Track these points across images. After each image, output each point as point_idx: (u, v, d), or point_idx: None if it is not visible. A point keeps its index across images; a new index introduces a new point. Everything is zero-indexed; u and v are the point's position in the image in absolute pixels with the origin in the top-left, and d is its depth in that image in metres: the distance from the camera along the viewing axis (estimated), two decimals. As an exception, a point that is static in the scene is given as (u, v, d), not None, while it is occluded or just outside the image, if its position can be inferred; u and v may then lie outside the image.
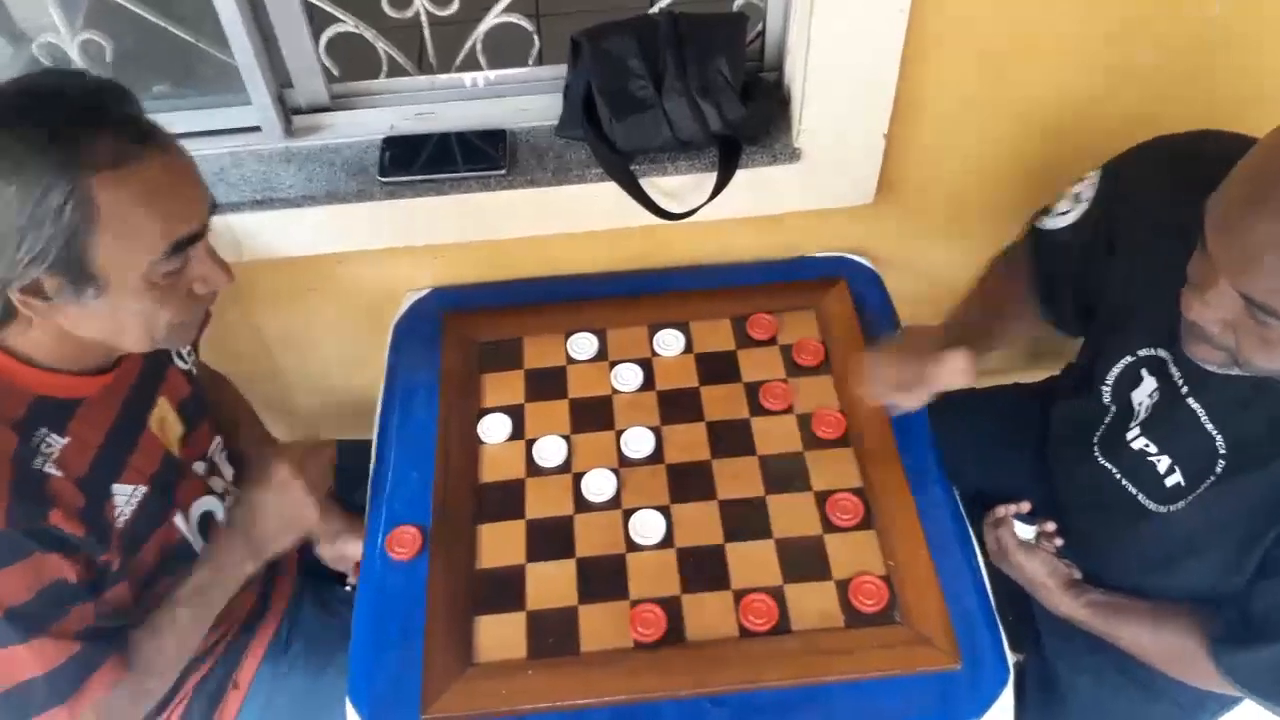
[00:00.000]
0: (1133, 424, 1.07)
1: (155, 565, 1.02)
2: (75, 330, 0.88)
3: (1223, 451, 0.97)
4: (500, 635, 1.08)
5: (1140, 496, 1.07)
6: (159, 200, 0.83)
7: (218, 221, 1.25)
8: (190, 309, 0.93)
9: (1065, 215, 1.13)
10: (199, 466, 1.12)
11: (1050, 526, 1.21)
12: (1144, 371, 1.07)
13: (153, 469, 1.02)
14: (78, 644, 0.91)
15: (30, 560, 0.86)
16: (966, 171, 1.38)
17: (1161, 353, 1.04)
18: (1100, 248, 1.11)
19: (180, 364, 1.12)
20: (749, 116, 1.24)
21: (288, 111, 1.30)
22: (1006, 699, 1.04)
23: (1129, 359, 1.08)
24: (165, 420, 1.06)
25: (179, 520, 1.05)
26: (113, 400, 0.99)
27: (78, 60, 1.23)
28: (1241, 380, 0.92)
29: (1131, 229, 1.08)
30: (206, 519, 1.09)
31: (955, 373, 1.07)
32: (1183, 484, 1.02)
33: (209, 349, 1.26)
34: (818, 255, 1.45)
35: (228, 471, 1.18)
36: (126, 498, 0.97)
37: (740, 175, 1.27)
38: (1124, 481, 1.09)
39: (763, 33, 1.30)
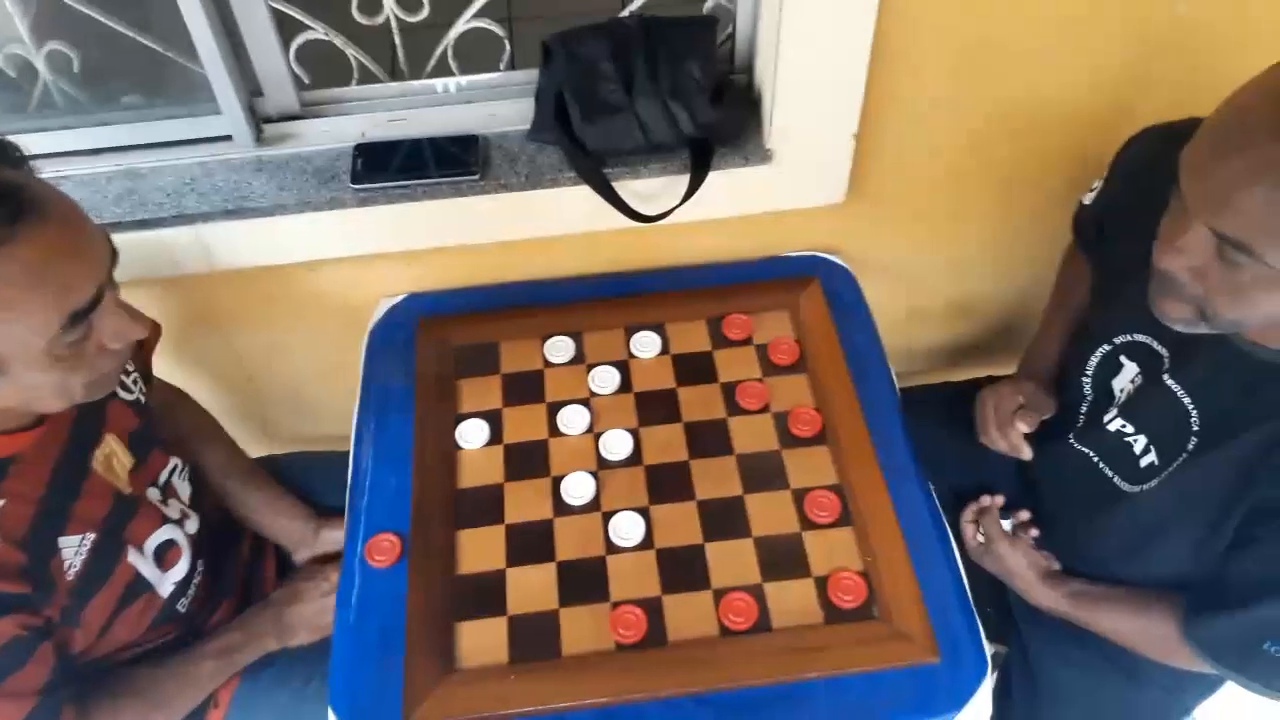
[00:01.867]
0: (1111, 408, 1.09)
1: (116, 604, 1.00)
2: None
3: (1195, 427, 0.99)
4: (481, 640, 1.08)
5: (1116, 478, 1.09)
6: (44, 278, 0.77)
7: (188, 233, 1.25)
8: (104, 364, 0.88)
9: (1092, 192, 1.18)
10: (152, 493, 1.09)
11: (1024, 515, 1.23)
12: (1123, 358, 1.08)
13: (102, 512, 0.99)
14: (33, 699, 0.89)
15: None
16: (937, 170, 1.39)
17: (1142, 337, 1.05)
18: (1096, 228, 1.15)
19: (125, 395, 1.09)
20: (720, 119, 1.25)
21: (258, 120, 1.29)
22: (985, 692, 1.05)
23: (1107, 347, 1.10)
24: (114, 455, 1.03)
25: (133, 558, 1.02)
26: (49, 452, 0.95)
27: (44, 71, 1.22)
28: (1219, 351, 0.94)
29: (1118, 214, 1.10)
30: (166, 547, 1.08)
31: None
32: (1156, 463, 1.04)
33: (179, 362, 1.25)
34: (791, 255, 1.46)
35: (185, 491, 1.16)
36: (75, 549, 0.95)
37: (713, 177, 1.27)
38: (1100, 464, 1.11)
39: (733, 35, 1.31)
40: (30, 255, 0.76)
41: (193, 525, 1.14)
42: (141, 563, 1.03)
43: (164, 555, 1.07)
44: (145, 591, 1.04)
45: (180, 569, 1.09)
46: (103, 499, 1.00)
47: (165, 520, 1.09)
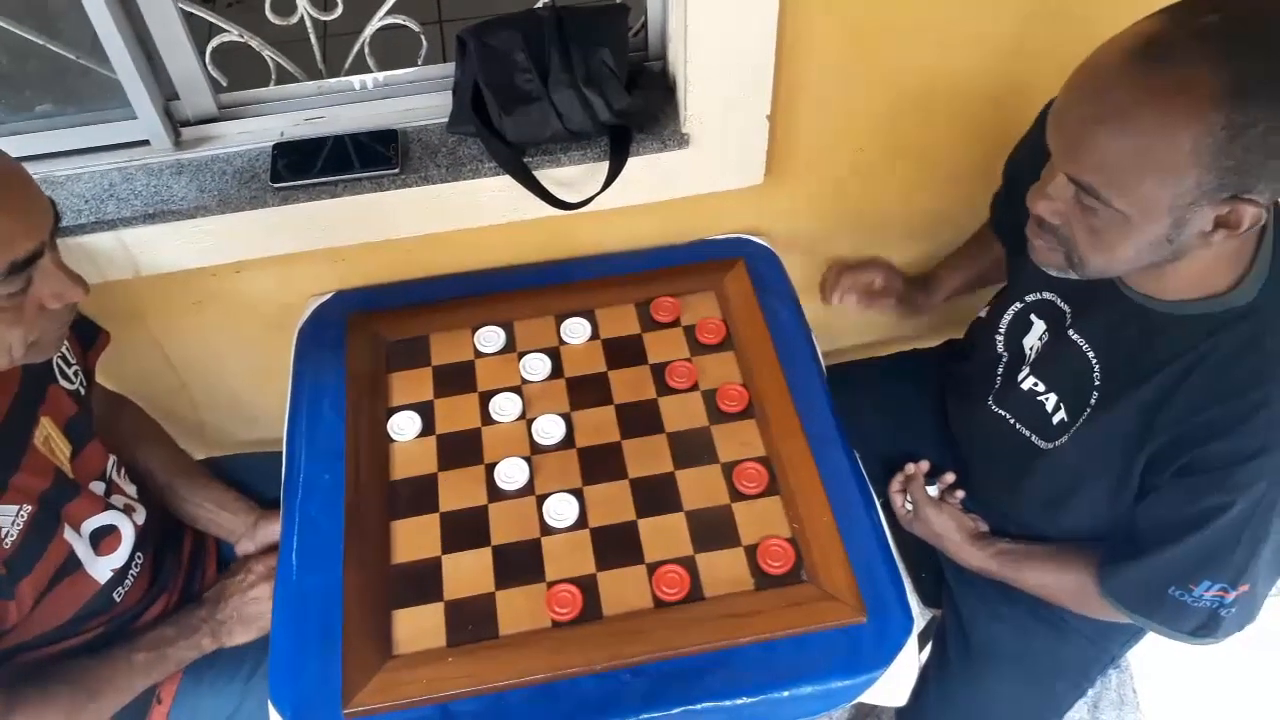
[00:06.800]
0: (1023, 366, 1.13)
1: (48, 581, 1.01)
2: None
3: (1098, 382, 1.03)
4: (419, 626, 1.09)
5: (1033, 437, 1.13)
6: None
7: (110, 239, 1.25)
8: (44, 325, 0.91)
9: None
10: (96, 486, 1.10)
11: (949, 478, 1.26)
12: (1033, 316, 1.13)
13: (41, 487, 1.00)
14: None
15: None
16: (851, 148, 1.42)
17: (1048, 295, 1.10)
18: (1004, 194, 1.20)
19: (65, 384, 1.10)
20: (636, 105, 1.27)
21: (176, 124, 1.29)
22: (911, 647, 1.08)
23: (1018, 305, 1.14)
24: (50, 439, 1.05)
25: (68, 535, 1.03)
26: None
27: (-48, 82, 1.21)
28: (1117, 305, 0.98)
29: (1026, 176, 1.14)
30: (104, 532, 1.08)
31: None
32: (1066, 419, 1.08)
33: (108, 370, 1.24)
34: (715, 238, 1.48)
35: (130, 489, 1.17)
36: (11, 518, 0.96)
37: (633, 163, 1.29)
38: (1017, 425, 1.15)
39: (645, 23, 1.33)
40: None
41: (139, 517, 1.14)
42: (76, 542, 1.04)
43: (101, 540, 1.07)
44: (75, 570, 1.04)
45: (119, 557, 1.09)
46: (43, 475, 1.01)
47: (109, 507, 1.09)
